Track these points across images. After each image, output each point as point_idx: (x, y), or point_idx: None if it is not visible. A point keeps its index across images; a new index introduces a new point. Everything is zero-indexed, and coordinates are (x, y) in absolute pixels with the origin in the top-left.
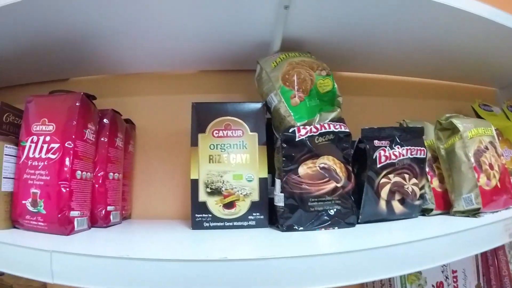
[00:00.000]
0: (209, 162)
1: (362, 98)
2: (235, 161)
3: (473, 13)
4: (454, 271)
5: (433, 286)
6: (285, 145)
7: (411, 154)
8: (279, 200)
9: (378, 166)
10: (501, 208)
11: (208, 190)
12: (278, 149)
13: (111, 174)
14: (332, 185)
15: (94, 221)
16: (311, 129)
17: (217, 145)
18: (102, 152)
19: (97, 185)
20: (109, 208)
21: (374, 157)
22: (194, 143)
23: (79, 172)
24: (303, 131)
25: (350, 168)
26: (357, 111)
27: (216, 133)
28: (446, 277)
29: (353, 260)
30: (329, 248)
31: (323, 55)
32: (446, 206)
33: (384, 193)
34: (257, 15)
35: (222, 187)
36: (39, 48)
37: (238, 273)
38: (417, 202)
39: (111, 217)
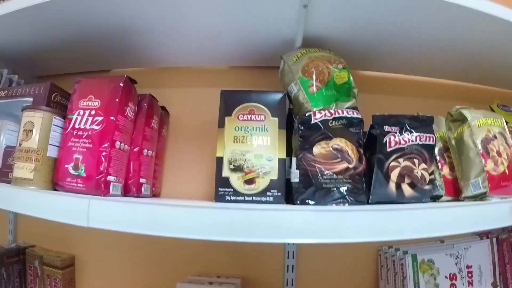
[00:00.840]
0: (234, 142)
1: (379, 96)
2: (257, 143)
3: (490, 14)
4: (469, 266)
5: (446, 277)
6: (302, 127)
7: (420, 141)
8: (295, 176)
9: (388, 150)
10: (510, 195)
11: (231, 167)
12: (295, 131)
13: (145, 150)
14: (344, 165)
15: (127, 191)
16: (325, 113)
17: (241, 127)
18: (139, 130)
19: (132, 158)
20: (141, 180)
21: (384, 141)
22: (221, 125)
23: (118, 142)
24: (318, 115)
25: (362, 151)
26: (373, 109)
27: (241, 117)
28: (460, 270)
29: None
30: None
31: (342, 52)
32: (456, 193)
33: (394, 175)
34: (279, 15)
35: (244, 164)
36: (85, 40)
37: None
38: (427, 187)
39: (143, 189)
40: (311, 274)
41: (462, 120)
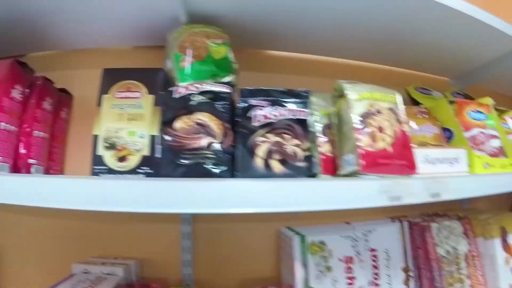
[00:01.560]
0: (109, 120)
1: (288, 76)
2: (131, 120)
3: None
4: (373, 249)
5: (339, 259)
6: (164, 101)
7: (293, 115)
8: (159, 152)
9: (255, 124)
10: (393, 174)
11: (106, 144)
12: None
13: (36, 132)
14: (207, 139)
15: (17, 171)
16: (188, 87)
17: (117, 105)
18: (29, 112)
19: (21, 139)
20: (30, 161)
21: (249, 115)
22: (99, 103)
23: (2, 123)
24: (181, 90)
25: (229, 126)
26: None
27: (117, 95)
28: (358, 253)
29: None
30: None
31: (235, 30)
32: (335, 172)
33: (262, 151)
34: None
35: (117, 142)
36: None
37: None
38: (301, 164)
39: (33, 169)
40: (210, 255)
41: (343, 94)
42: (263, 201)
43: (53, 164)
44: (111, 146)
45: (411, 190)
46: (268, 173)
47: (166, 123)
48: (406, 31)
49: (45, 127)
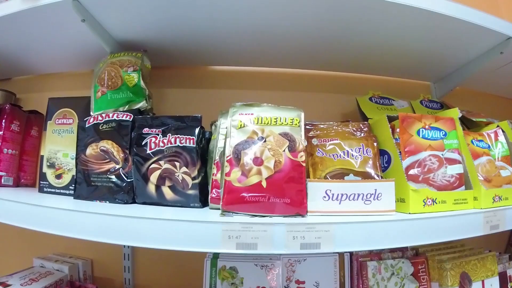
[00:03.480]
0: (51, 143)
1: (240, 91)
2: (65, 143)
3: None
4: (300, 281)
5: None
6: (79, 131)
7: (180, 143)
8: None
9: (148, 152)
10: (270, 214)
11: (48, 163)
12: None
13: (5, 149)
14: (111, 165)
15: None
16: (97, 117)
17: (56, 130)
18: None
19: None
20: (1, 173)
21: (143, 143)
22: (45, 128)
23: None
24: (91, 120)
25: (128, 152)
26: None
27: (57, 121)
28: (273, 285)
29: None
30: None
31: (162, 52)
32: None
33: (154, 177)
34: (73, 28)
35: (55, 162)
36: None
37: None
38: (191, 192)
39: (2, 180)
40: (150, 275)
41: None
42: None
43: (24, 175)
44: (52, 165)
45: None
46: (161, 199)
47: (81, 150)
48: (372, 35)
49: (15, 145)
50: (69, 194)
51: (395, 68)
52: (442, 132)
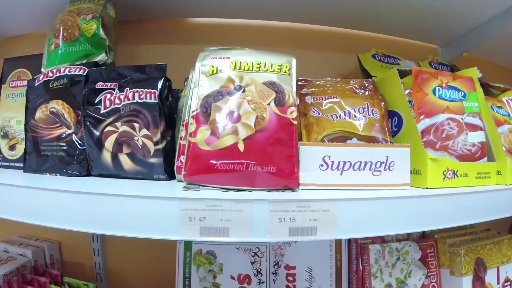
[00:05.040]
0: (5, 110)
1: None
2: (20, 108)
3: None
4: (290, 267)
5: (232, 277)
6: (28, 90)
7: (140, 98)
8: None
9: (103, 111)
10: (249, 187)
11: (1, 133)
12: None
13: None
14: (62, 130)
15: None
16: (47, 73)
17: (10, 94)
18: None
19: None
20: None
21: (96, 101)
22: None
23: None
24: (41, 77)
25: (80, 114)
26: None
27: (11, 84)
28: (258, 272)
29: None
30: None
31: (133, 2)
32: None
33: (109, 143)
34: None
35: (9, 131)
36: None
37: None
38: (154, 160)
39: None
40: (122, 258)
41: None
42: None
43: None
44: (5, 135)
45: None
46: (119, 170)
47: (31, 114)
48: None
49: None
50: (20, 168)
51: (401, 27)
52: (461, 93)
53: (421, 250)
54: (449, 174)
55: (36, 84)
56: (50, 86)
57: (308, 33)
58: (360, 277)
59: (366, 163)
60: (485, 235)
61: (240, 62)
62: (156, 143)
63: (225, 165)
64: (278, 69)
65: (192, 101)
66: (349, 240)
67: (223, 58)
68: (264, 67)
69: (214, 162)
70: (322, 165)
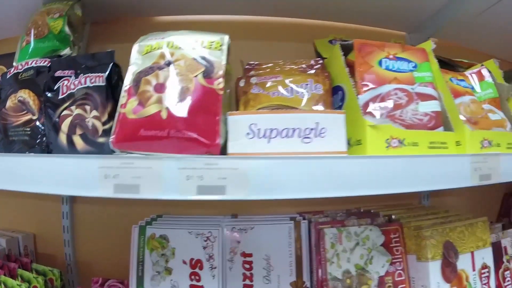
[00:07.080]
0: None
1: None
2: None
3: None
4: (247, 254)
5: (184, 262)
6: (1, 83)
7: (90, 83)
8: None
9: (61, 97)
10: (171, 153)
11: None
12: None
13: None
14: (28, 116)
15: None
16: (17, 66)
17: None
18: None
19: None
20: None
21: (55, 88)
22: None
23: None
24: (12, 70)
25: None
26: None
27: None
28: (210, 257)
29: None
30: None
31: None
32: None
33: (65, 126)
34: None
35: None
36: None
37: None
38: (102, 140)
39: None
40: (90, 248)
41: None
42: None
43: None
44: None
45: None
46: (72, 150)
47: (2, 103)
48: None
49: None
50: None
51: (364, 13)
52: (412, 64)
53: (384, 234)
54: (394, 143)
55: (7, 77)
56: (19, 77)
57: (268, 25)
58: (318, 263)
59: (294, 129)
60: (457, 218)
61: (173, 41)
62: (104, 123)
63: (149, 132)
64: (209, 45)
65: (126, 78)
66: (309, 226)
67: (159, 38)
68: (197, 44)
69: (139, 129)
70: (248, 133)
